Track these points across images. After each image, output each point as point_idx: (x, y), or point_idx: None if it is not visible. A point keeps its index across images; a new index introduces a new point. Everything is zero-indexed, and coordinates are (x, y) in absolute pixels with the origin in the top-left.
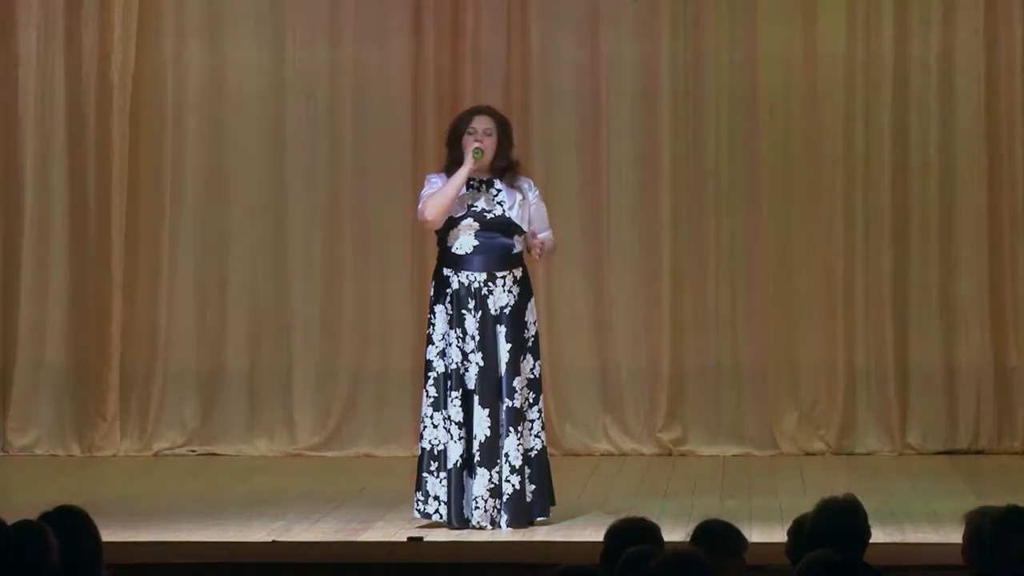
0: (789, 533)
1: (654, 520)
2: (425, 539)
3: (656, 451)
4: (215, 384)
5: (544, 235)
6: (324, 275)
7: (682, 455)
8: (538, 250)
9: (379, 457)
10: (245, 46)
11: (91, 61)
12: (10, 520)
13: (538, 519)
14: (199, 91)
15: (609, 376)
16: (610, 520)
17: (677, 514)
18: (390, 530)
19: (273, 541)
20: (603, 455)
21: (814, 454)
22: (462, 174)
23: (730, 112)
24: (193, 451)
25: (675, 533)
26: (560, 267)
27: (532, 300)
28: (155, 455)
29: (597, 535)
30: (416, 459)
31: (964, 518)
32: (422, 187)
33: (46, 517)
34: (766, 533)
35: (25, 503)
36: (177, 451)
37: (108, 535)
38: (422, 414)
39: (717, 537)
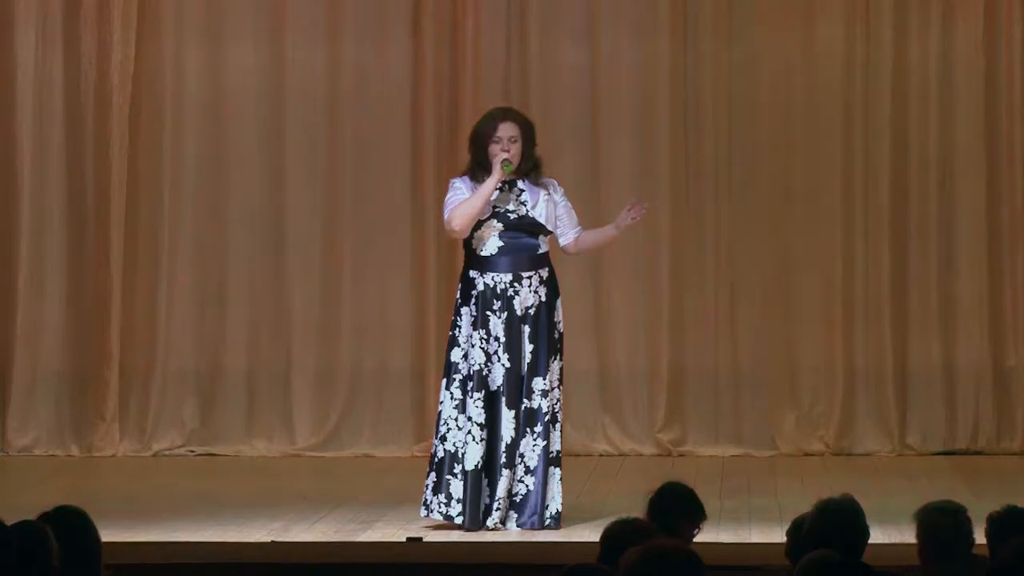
0: (788, 534)
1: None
2: (425, 539)
3: (655, 452)
4: (214, 384)
5: (575, 231)
6: (323, 275)
7: (681, 456)
8: (635, 215)
9: (378, 457)
10: (244, 47)
11: (90, 62)
12: (10, 520)
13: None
14: (198, 92)
15: (608, 377)
16: (609, 520)
17: None
18: (389, 530)
19: (272, 541)
20: (602, 455)
21: (813, 455)
22: (491, 185)
23: (729, 113)
24: (192, 451)
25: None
26: (559, 268)
27: (559, 300)
28: (154, 455)
29: (596, 535)
30: (436, 461)
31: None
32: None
33: (46, 517)
34: (765, 533)
35: (25, 503)
36: (176, 451)
37: (108, 535)
38: (444, 416)
39: (677, 503)
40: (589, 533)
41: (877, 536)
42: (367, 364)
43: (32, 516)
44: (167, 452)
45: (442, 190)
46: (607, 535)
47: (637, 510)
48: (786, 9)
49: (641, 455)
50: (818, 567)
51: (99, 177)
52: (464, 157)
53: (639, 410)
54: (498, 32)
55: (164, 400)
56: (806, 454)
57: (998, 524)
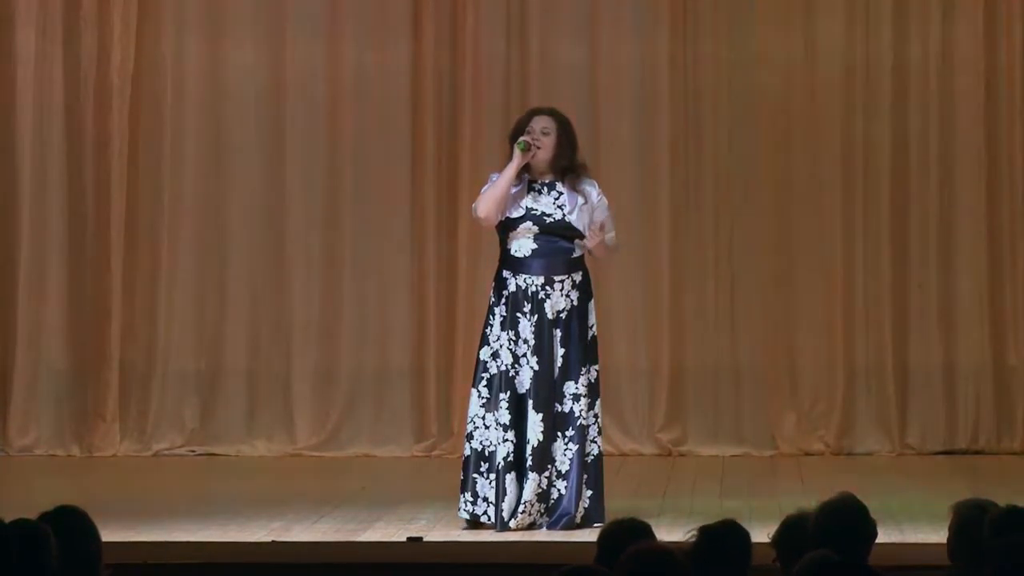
0: (779, 534)
1: (654, 520)
2: (425, 539)
3: (655, 451)
4: (214, 384)
5: (607, 236)
6: (323, 275)
7: (681, 455)
8: (593, 240)
9: (378, 457)
10: (244, 46)
11: (90, 61)
12: (9, 521)
13: (595, 525)
14: (198, 91)
15: (608, 376)
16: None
17: (676, 514)
18: (390, 530)
19: (272, 541)
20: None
21: (813, 454)
22: (510, 169)
23: (729, 112)
24: (192, 451)
25: (674, 533)
26: None
27: (592, 303)
28: (154, 455)
29: (595, 536)
30: (464, 459)
31: (952, 509)
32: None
33: (46, 517)
34: (765, 534)
35: (25, 503)
36: (176, 451)
37: (108, 535)
38: (470, 415)
39: (720, 544)
40: (588, 533)
41: (877, 536)
42: (367, 364)
43: (32, 516)
44: (167, 452)
45: (442, 189)
46: (604, 536)
47: (638, 510)
48: (786, 7)
49: (641, 455)
50: (818, 567)
51: (99, 177)
52: (465, 155)
53: (639, 410)
54: (498, 30)
55: (164, 400)
56: (806, 454)
57: (997, 524)
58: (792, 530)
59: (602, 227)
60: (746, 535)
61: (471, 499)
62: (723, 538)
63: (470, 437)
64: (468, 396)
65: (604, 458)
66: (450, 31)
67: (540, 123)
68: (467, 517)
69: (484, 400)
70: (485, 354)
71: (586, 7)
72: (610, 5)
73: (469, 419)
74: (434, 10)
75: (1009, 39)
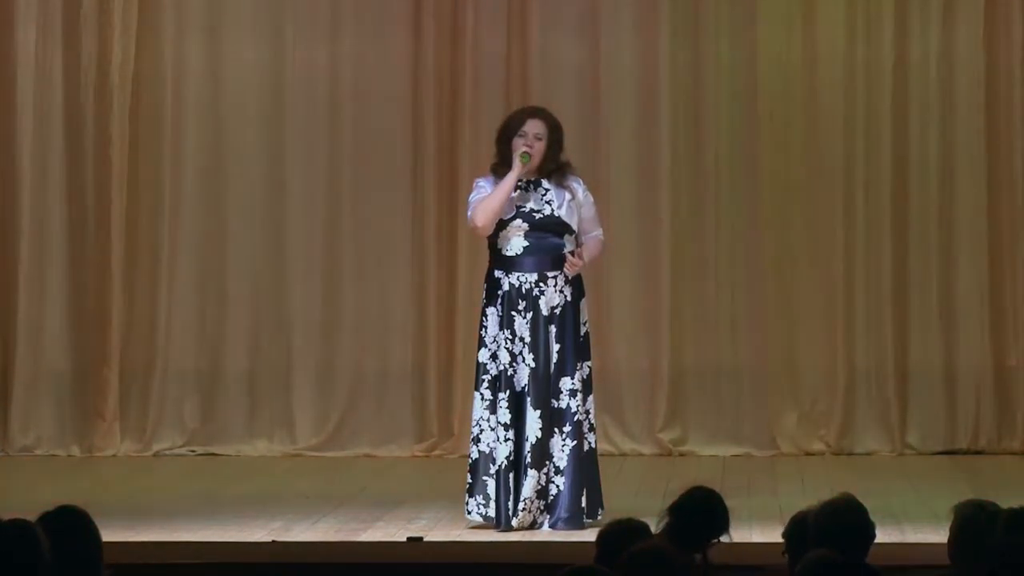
0: (787, 531)
1: (654, 521)
2: (425, 539)
3: (656, 451)
4: (215, 384)
5: (592, 236)
6: (324, 275)
7: (682, 455)
8: (572, 269)
9: (379, 457)
10: (245, 46)
11: (90, 61)
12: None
13: (586, 521)
14: (199, 91)
15: (608, 376)
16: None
17: None
18: (390, 530)
19: (273, 541)
20: (603, 455)
21: (814, 454)
22: (511, 179)
23: (730, 112)
24: (193, 451)
25: None
26: None
27: (584, 301)
28: (155, 455)
29: (595, 536)
30: (472, 462)
31: (953, 510)
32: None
33: (46, 517)
34: (766, 533)
35: (25, 503)
36: (177, 451)
37: (108, 535)
38: (476, 418)
39: (698, 512)
40: (588, 533)
41: (877, 536)
42: (368, 363)
43: (32, 516)
44: (168, 452)
45: (442, 188)
46: (604, 536)
47: (638, 510)
48: (786, 7)
49: (642, 455)
50: (819, 566)
51: (99, 177)
52: (465, 154)
53: (639, 410)
54: (498, 28)
55: (165, 400)
56: (807, 453)
57: (1001, 524)
58: (802, 526)
59: (578, 255)
60: (716, 496)
61: (483, 502)
62: (694, 507)
63: (477, 440)
64: (469, 396)
65: (598, 454)
66: (450, 30)
67: (533, 127)
68: (480, 520)
69: (487, 402)
70: (483, 356)
71: (586, 7)
72: (610, 5)
73: (475, 422)
74: (434, 9)
75: (1009, 39)
